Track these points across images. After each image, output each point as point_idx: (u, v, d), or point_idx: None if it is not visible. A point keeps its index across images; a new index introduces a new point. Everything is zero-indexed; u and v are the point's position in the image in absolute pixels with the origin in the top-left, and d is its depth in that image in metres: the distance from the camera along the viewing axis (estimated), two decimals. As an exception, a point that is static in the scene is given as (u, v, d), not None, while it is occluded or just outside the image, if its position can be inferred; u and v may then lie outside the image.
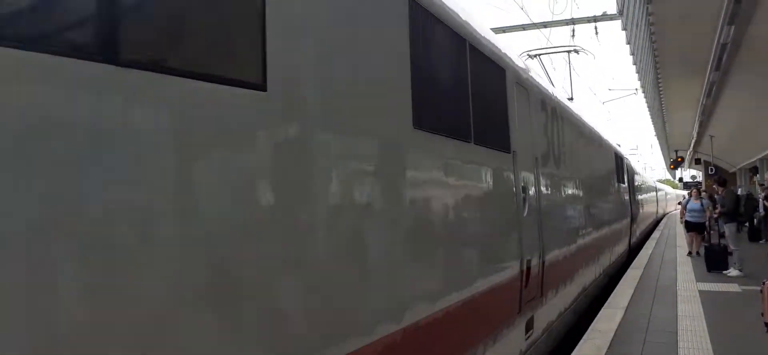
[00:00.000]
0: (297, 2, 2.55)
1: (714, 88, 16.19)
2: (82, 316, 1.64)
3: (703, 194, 17.43)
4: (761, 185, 23.73)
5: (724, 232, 13.17)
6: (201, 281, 1.98)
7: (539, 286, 5.96)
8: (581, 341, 6.81)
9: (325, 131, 2.67)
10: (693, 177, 48.77)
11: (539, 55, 11.33)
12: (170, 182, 1.94)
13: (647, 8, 11.76)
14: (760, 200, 19.60)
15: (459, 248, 4.03)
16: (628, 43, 17.25)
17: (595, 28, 17.58)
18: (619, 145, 17.48)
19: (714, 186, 14.82)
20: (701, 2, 10.96)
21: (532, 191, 5.90)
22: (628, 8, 15.00)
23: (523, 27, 17.57)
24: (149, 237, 1.84)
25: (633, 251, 17.35)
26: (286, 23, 2.45)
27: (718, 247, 12.86)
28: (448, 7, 4.12)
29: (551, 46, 13.73)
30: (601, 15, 17.26)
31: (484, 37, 4.88)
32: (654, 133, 39.07)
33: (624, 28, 16.25)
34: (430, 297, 3.52)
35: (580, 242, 8.60)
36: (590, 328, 7.44)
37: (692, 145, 32.29)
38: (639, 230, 20.41)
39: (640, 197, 21.85)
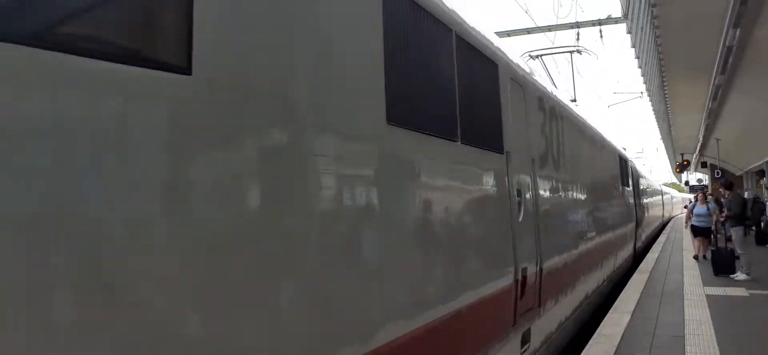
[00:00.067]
0: None
1: (719, 91, 16.12)
2: None
3: (710, 197, 17.35)
4: (768, 188, 23.65)
5: (730, 235, 13.10)
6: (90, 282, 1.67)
7: (537, 296, 5.60)
8: (587, 345, 6.75)
9: (267, 124, 2.29)
10: (699, 180, 48.62)
11: (541, 55, 11.18)
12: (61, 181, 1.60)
13: (652, 11, 11.72)
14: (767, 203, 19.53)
15: (441, 256, 3.66)
16: (633, 46, 17.19)
17: (600, 31, 17.52)
18: (624, 148, 17.38)
19: (720, 189, 14.72)
20: (706, 5, 10.92)
21: (528, 195, 5.56)
22: (632, 11, 14.96)
23: (528, 30, 17.49)
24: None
25: (638, 256, 17.20)
26: None
27: (725, 251, 12.80)
28: None
29: (553, 46, 13.66)
30: (606, 18, 17.17)
31: (473, 29, 4.52)
32: (660, 136, 38.92)
33: (629, 32, 16.21)
34: (406, 314, 3.13)
35: (583, 247, 8.16)
36: (596, 332, 7.39)
37: (698, 148, 32.17)
38: (644, 234, 20.25)
39: (645, 200, 21.66)
